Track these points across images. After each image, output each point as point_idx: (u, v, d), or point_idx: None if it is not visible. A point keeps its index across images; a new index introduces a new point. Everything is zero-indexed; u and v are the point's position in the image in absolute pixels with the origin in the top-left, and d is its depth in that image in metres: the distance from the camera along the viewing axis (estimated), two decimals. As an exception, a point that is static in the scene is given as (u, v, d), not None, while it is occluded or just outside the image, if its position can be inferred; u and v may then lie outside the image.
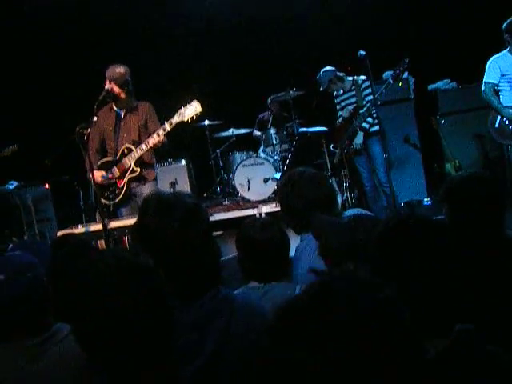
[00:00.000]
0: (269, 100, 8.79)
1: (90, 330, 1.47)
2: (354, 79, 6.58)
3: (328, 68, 6.59)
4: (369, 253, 1.60)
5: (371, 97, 6.18)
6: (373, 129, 6.44)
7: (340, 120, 6.80)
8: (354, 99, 6.59)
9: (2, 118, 7.92)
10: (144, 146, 5.00)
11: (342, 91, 6.68)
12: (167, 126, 4.93)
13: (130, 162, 5.07)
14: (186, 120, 4.92)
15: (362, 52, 5.64)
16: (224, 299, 1.95)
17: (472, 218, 2.35)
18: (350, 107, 6.60)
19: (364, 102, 6.41)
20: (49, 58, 8.68)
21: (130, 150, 5.08)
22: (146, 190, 5.17)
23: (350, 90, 6.62)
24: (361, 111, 6.38)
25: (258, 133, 8.85)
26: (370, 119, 6.39)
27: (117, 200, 5.14)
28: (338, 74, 6.59)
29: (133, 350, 1.46)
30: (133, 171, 5.09)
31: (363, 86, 6.45)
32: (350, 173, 7.14)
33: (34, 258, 2.12)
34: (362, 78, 6.46)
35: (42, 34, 8.58)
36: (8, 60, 8.37)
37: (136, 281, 1.49)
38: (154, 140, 4.95)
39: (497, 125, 6.08)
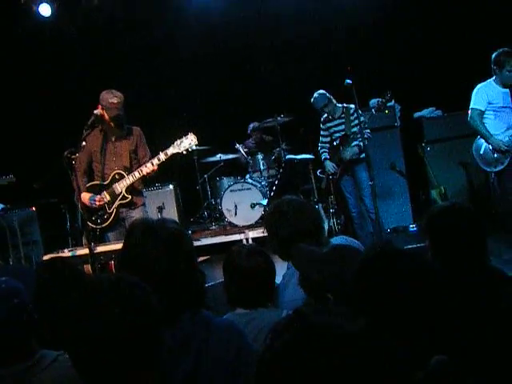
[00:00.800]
0: (249, 130, 8.88)
1: (82, 353, 1.48)
2: (344, 107, 6.67)
3: (324, 91, 6.69)
4: (348, 285, 1.62)
5: (358, 127, 6.29)
6: (361, 155, 6.51)
7: (319, 145, 6.92)
8: (342, 127, 6.67)
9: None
10: (137, 174, 5.00)
11: (330, 117, 6.76)
12: (162, 157, 4.96)
13: (121, 188, 5.05)
14: (181, 152, 4.98)
15: (349, 81, 5.71)
16: (202, 321, 1.99)
17: (454, 249, 2.37)
18: (338, 134, 6.69)
19: (352, 130, 6.49)
20: (36, 82, 8.72)
21: (122, 176, 5.07)
22: (135, 214, 5.16)
23: (340, 118, 6.71)
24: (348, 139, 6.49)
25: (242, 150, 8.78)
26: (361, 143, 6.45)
27: (105, 225, 5.12)
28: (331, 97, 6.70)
29: (124, 370, 1.47)
30: (124, 197, 5.07)
31: (355, 115, 6.49)
32: (337, 199, 7.20)
33: (20, 284, 2.13)
34: (353, 106, 6.54)
35: (35, 60, 8.66)
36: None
37: (125, 300, 1.50)
38: (147, 169, 4.96)
39: (481, 151, 6.13)
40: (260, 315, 2.50)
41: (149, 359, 1.51)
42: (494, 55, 6.02)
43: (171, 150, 4.96)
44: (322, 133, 6.93)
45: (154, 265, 1.93)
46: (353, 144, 6.54)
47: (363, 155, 6.36)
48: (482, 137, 6.12)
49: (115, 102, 4.98)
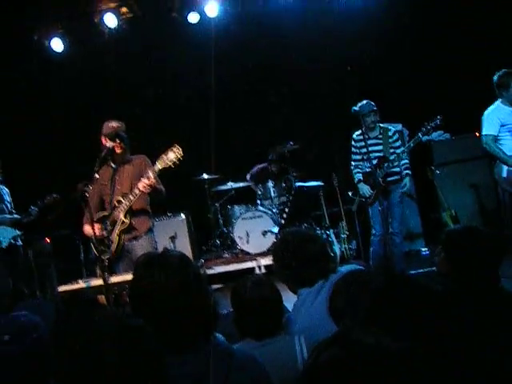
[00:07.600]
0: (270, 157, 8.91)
1: None
2: (382, 127, 6.53)
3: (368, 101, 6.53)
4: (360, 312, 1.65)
5: (402, 149, 6.38)
6: (395, 177, 6.49)
7: (352, 164, 6.72)
8: (379, 147, 6.47)
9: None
10: (131, 197, 4.97)
11: (366, 135, 6.36)
12: (151, 174, 4.87)
13: (119, 214, 5.05)
14: (168, 166, 4.84)
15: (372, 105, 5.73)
16: (223, 352, 1.99)
17: (470, 271, 2.41)
18: (373, 155, 6.37)
19: (391, 152, 6.40)
20: (49, 115, 8.88)
21: (120, 202, 5.06)
22: (139, 245, 5.15)
23: (376, 138, 6.52)
24: (388, 162, 6.37)
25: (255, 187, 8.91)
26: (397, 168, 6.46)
27: (111, 254, 5.08)
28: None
29: None
30: (123, 223, 5.06)
31: (394, 137, 6.49)
32: (363, 221, 7.14)
33: (39, 319, 2.17)
34: (392, 128, 6.52)
35: (47, 94, 8.82)
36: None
37: (131, 346, 1.52)
38: (138, 190, 4.90)
39: (504, 174, 6.17)
40: (269, 345, 2.52)
41: None
42: (495, 78, 6.10)
43: (157, 166, 4.85)
44: (353, 150, 6.69)
45: (164, 293, 1.94)
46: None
47: (397, 176, 6.42)
48: (501, 161, 6.16)
49: (115, 125, 5.10)
